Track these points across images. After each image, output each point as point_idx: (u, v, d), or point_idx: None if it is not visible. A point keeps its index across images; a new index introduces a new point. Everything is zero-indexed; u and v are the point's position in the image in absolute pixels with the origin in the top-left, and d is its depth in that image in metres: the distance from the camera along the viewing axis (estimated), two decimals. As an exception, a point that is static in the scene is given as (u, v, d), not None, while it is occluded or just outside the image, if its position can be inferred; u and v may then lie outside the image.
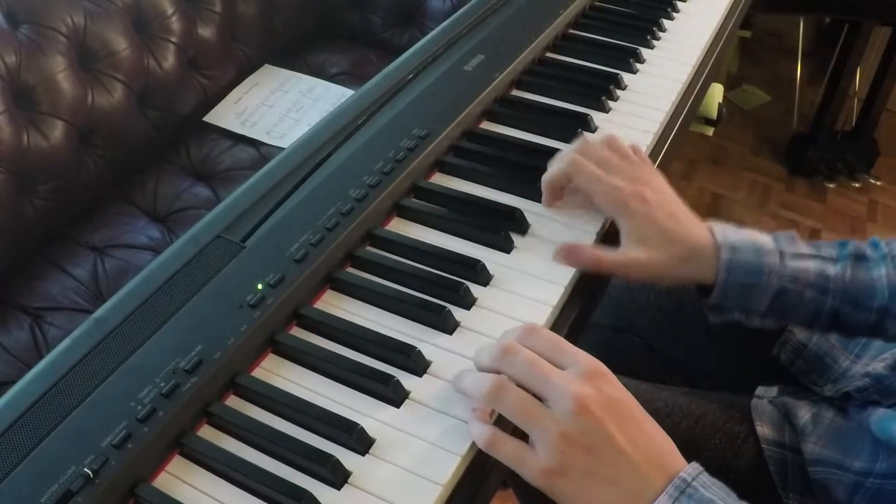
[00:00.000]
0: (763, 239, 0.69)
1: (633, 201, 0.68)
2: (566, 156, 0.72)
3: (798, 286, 0.68)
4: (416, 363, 0.60)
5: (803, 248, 0.70)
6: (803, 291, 0.68)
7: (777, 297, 0.68)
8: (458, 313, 0.64)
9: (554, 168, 0.73)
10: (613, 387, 0.54)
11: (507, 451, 0.53)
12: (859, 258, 0.70)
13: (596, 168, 0.70)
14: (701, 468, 0.53)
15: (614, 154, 0.72)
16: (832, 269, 0.69)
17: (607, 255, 0.69)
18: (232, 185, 1.31)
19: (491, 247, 0.71)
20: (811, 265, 0.69)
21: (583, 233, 0.73)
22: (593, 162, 0.71)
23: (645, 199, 0.69)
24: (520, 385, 0.54)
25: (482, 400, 0.54)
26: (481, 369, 0.57)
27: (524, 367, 0.54)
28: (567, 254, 0.69)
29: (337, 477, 0.53)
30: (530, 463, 0.52)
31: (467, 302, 0.65)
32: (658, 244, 0.68)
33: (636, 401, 0.55)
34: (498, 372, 0.55)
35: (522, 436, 0.54)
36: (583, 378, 0.53)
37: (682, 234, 0.68)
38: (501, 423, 0.55)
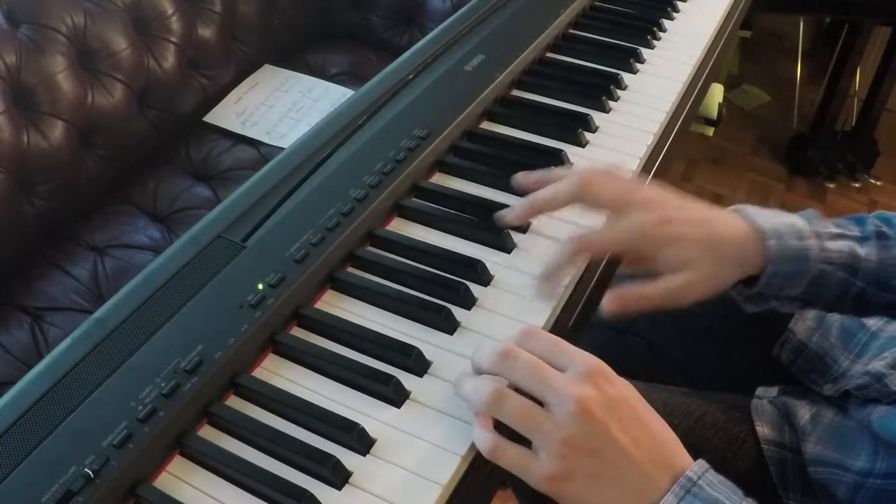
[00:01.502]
0: (796, 220, 0.67)
1: (654, 229, 0.64)
2: (573, 177, 0.66)
3: (833, 268, 0.66)
4: (417, 363, 0.60)
5: (832, 227, 0.68)
6: (836, 273, 0.66)
7: (813, 281, 0.66)
8: (458, 313, 0.64)
9: (557, 188, 0.67)
10: (615, 385, 0.54)
11: (510, 458, 0.53)
12: (882, 236, 0.68)
13: (609, 198, 0.66)
14: (707, 466, 0.53)
15: (609, 186, 0.67)
16: (861, 250, 0.67)
17: (655, 289, 0.65)
18: (232, 185, 1.31)
19: (491, 247, 0.71)
20: (844, 245, 0.66)
21: (587, 231, 0.71)
22: (607, 190, 0.66)
23: (666, 219, 0.65)
24: (519, 389, 0.54)
25: (482, 408, 0.54)
26: (480, 373, 0.57)
27: (523, 371, 0.53)
28: (617, 301, 0.65)
29: (337, 477, 0.53)
30: (534, 469, 0.52)
31: (468, 302, 0.65)
32: (701, 257, 0.64)
33: (639, 396, 0.54)
34: (497, 376, 0.55)
35: (524, 440, 0.53)
36: (583, 379, 0.53)
37: (720, 233, 0.65)
38: (501, 427, 0.55)
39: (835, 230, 0.68)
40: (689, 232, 0.64)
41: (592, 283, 0.72)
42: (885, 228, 0.69)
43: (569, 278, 0.68)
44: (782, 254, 0.64)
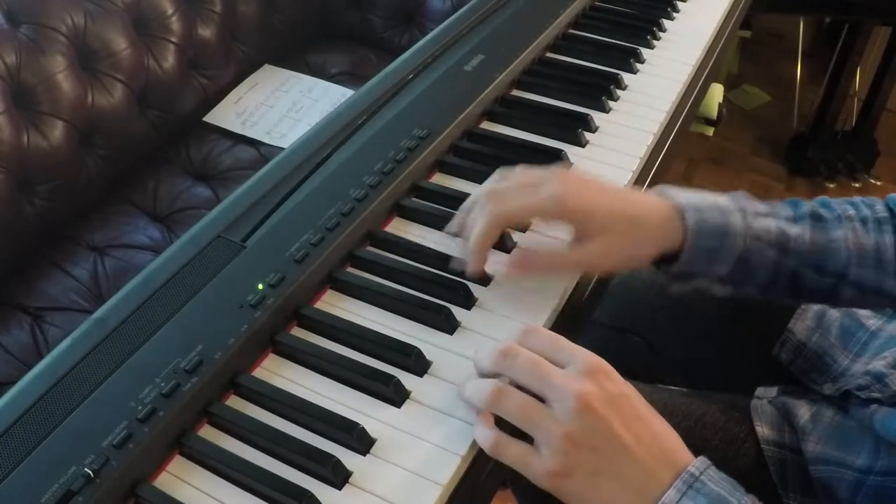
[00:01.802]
0: (720, 199, 0.67)
1: (572, 200, 0.64)
2: (480, 200, 0.65)
3: (761, 245, 0.65)
4: (417, 363, 0.60)
5: (760, 206, 0.67)
6: (765, 251, 0.65)
7: (741, 258, 0.65)
8: (458, 313, 0.64)
9: (478, 231, 0.65)
10: (615, 383, 0.54)
11: (512, 454, 0.53)
12: (817, 217, 0.67)
13: (516, 196, 0.65)
14: (709, 462, 0.53)
15: (515, 175, 0.67)
16: (792, 230, 0.66)
17: (565, 253, 0.66)
18: (232, 185, 1.31)
19: (491, 246, 0.71)
20: (772, 224, 0.66)
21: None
22: (508, 194, 0.65)
23: (581, 191, 0.65)
24: (521, 387, 0.54)
25: (483, 406, 0.54)
26: (482, 373, 0.57)
27: (524, 369, 0.54)
28: (518, 262, 0.66)
29: (338, 477, 0.53)
30: (535, 466, 0.52)
31: (468, 302, 0.65)
32: (615, 226, 0.64)
33: (639, 395, 0.55)
34: (499, 375, 0.55)
35: (526, 436, 0.53)
36: (584, 375, 0.53)
37: (638, 207, 0.65)
38: (503, 423, 0.55)
39: (763, 208, 0.67)
40: (606, 201, 0.65)
41: (592, 283, 0.72)
42: (822, 211, 0.68)
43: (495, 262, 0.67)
44: (701, 227, 0.64)
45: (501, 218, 0.65)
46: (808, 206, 0.68)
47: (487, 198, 0.65)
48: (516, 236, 0.72)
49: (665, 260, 0.67)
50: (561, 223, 0.67)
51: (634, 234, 0.64)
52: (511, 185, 0.66)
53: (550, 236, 0.72)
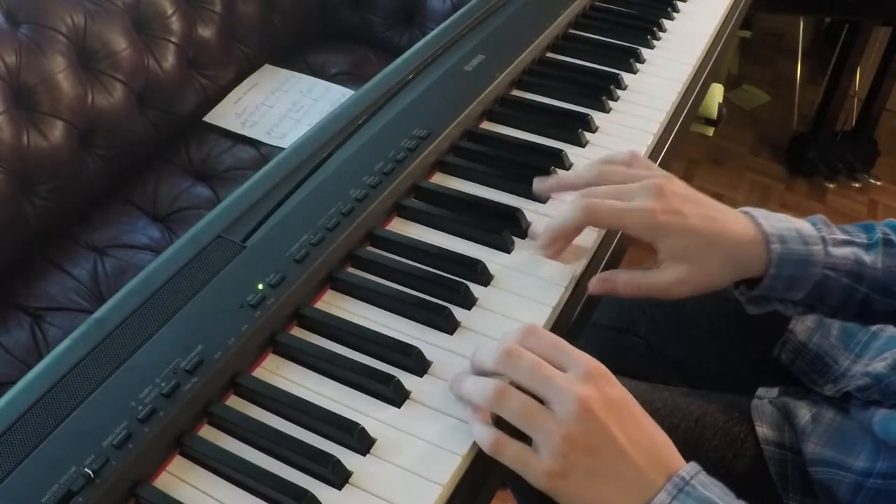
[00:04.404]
0: (803, 225, 0.67)
1: (665, 217, 0.64)
2: (576, 204, 0.66)
3: (837, 274, 0.66)
4: (417, 363, 0.60)
5: (839, 233, 0.68)
6: (840, 279, 0.66)
7: (817, 285, 0.66)
8: (458, 313, 0.64)
9: (563, 217, 0.67)
10: (614, 387, 0.54)
11: (511, 454, 0.53)
12: (888, 243, 0.68)
13: (615, 203, 0.65)
14: (699, 467, 0.53)
15: (618, 170, 0.69)
16: (867, 257, 0.67)
17: (646, 279, 0.65)
18: (232, 185, 1.31)
19: (491, 247, 0.71)
20: (849, 252, 0.67)
21: (588, 229, 0.71)
22: (609, 197, 0.66)
23: (676, 210, 0.64)
24: (521, 387, 0.54)
25: (485, 404, 0.54)
26: (482, 372, 0.57)
27: (526, 370, 0.54)
28: (600, 283, 0.66)
29: (338, 477, 0.53)
30: (534, 466, 0.52)
31: (468, 302, 0.65)
32: (702, 252, 0.64)
33: (636, 401, 0.55)
34: (498, 375, 0.55)
35: (522, 436, 0.54)
36: (584, 379, 0.53)
37: (724, 233, 0.65)
38: (500, 423, 0.55)
39: (841, 236, 0.68)
40: (697, 225, 0.64)
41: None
42: (893, 236, 0.69)
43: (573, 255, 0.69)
44: (785, 258, 0.65)
45: (590, 218, 0.66)
46: (880, 231, 0.69)
47: (583, 194, 0.67)
48: (517, 237, 0.72)
49: (744, 282, 0.68)
50: (645, 240, 0.66)
51: (720, 261, 0.65)
52: (611, 182, 0.67)
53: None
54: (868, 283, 0.67)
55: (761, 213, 0.67)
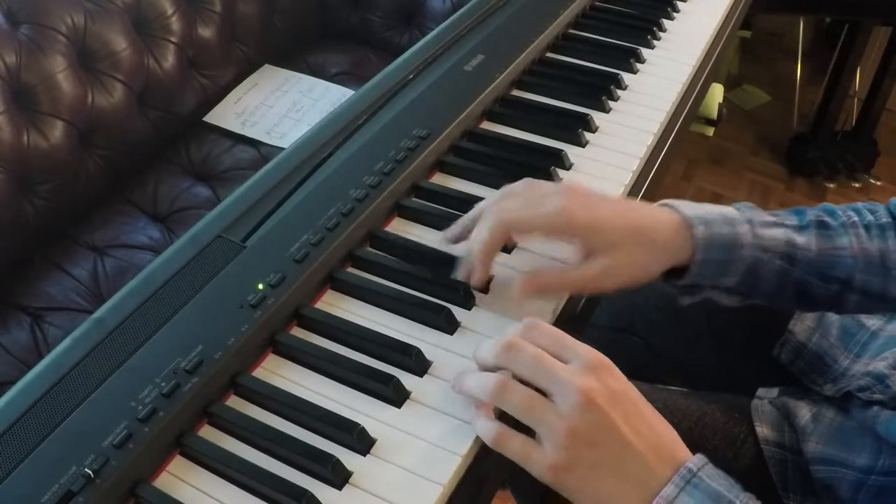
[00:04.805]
0: (727, 209, 0.66)
1: (578, 213, 0.63)
2: (485, 221, 0.65)
3: (769, 256, 0.65)
4: (417, 363, 0.60)
5: (767, 216, 0.67)
6: (772, 261, 0.65)
7: (749, 269, 0.65)
8: (458, 313, 0.64)
9: (478, 238, 0.64)
10: (617, 379, 0.54)
11: (514, 447, 0.53)
12: (822, 225, 0.67)
13: (522, 208, 0.65)
14: (706, 459, 0.53)
15: (520, 188, 0.67)
16: (799, 238, 0.66)
17: (574, 272, 0.65)
18: (232, 185, 1.31)
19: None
20: (779, 233, 0.66)
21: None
22: (514, 205, 0.65)
23: (587, 205, 0.64)
24: (523, 381, 0.54)
25: (487, 399, 0.54)
26: (484, 367, 0.57)
27: (528, 363, 0.54)
28: (528, 282, 0.65)
29: (338, 477, 0.53)
30: (537, 459, 0.52)
31: (468, 302, 0.65)
32: (623, 243, 0.63)
33: (639, 393, 0.55)
34: (500, 369, 0.55)
35: (525, 430, 0.54)
36: (587, 371, 0.53)
37: (643, 221, 0.64)
38: (503, 417, 0.55)
39: (770, 218, 0.67)
40: (613, 217, 0.63)
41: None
42: (826, 218, 0.68)
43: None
44: (711, 240, 0.64)
45: (506, 226, 0.64)
46: (812, 213, 0.68)
47: (493, 208, 0.65)
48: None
49: (674, 273, 0.66)
50: (564, 239, 0.67)
51: (643, 249, 0.63)
52: (516, 198, 0.66)
53: (540, 254, 0.71)
54: (802, 266, 0.66)
55: (682, 203, 0.66)
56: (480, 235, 0.64)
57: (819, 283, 0.66)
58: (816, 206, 0.69)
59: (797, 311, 0.86)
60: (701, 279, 0.66)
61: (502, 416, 0.55)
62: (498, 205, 0.65)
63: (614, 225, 0.63)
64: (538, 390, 0.53)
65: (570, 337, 0.56)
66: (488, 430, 0.54)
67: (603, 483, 0.51)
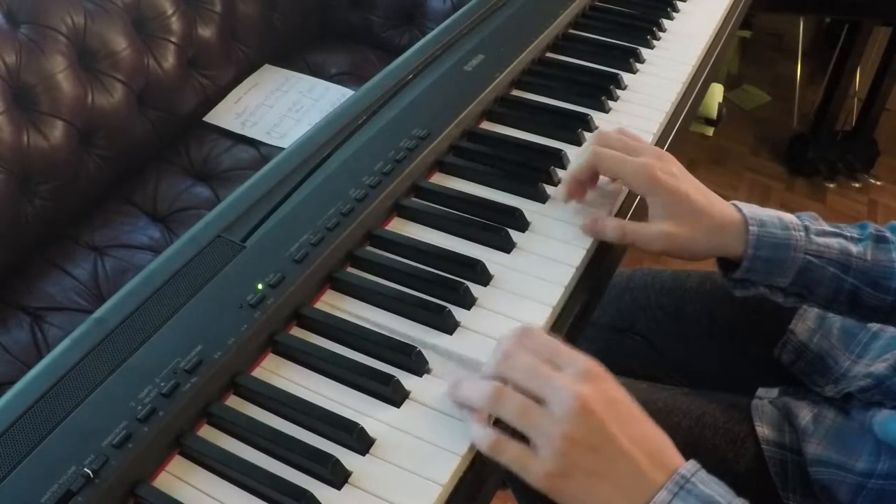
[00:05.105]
0: (788, 216, 0.70)
1: (662, 175, 0.68)
2: (585, 149, 0.72)
3: (822, 262, 0.68)
4: (417, 363, 0.60)
5: (826, 226, 0.71)
6: (826, 268, 0.69)
7: (801, 272, 0.68)
8: (458, 313, 0.64)
9: (576, 162, 0.73)
10: (612, 387, 0.54)
11: (510, 454, 0.53)
12: (880, 239, 0.70)
13: (619, 153, 0.71)
14: (699, 465, 0.53)
15: (631, 139, 0.73)
16: (854, 248, 0.69)
17: (633, 226, 0.70)
18: (232, 185, 1.31)
19: (491, 247, 0.71)
20: (834, 242, 0.69)
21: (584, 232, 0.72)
22: (617, 144, 0.72)
23: (673, 174, 0.69)
24: (519, 388, 0.54)
25: (483, 406, 0.54)
26: (482, 376, 0.57)
27: (523, 371, 0.54)
28: (591, 225, 0.71)
29: (337, 477, 0.53)
30: (533, 467, 0.52)
31: (467, 302, 0.65)
32: (688, 217, 0.68)
33: (634, 400, 0.55)
34: (498, 377, 0.55)
35: (521, 437, 0.54)
36: (582, 378, 0.53)
37: (710, 207, 0.69)
38: (498, 424, 0.55)
39: (829, 228, 0.70)
40: (687, 191, 0.69)
41: (591, 284, 0.72)
42: (887, 234, 0.71)
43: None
44: (763, 239, 0.68)
45: (598, 161, 0.71)
46: (874, 227, 0.71)
47: (596, 139, 0.73)
48: (517, 237, 0.72)
49: (730, 267, 0.70)
50: (640, 192, 0.72)
51: (704, 231, 0.68)
52: (618, 140, 0.72)
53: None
54: (855, 275, 0.69)
55: (746, 205, 0.71)
56: (577, 161, 0.73)
57: (871, 292, 0.69)
58: (885, 226, 0.73)
59: (798, 311, 0.86)
60: (751, 275, 0.69)
61: (498, 426, 0.55)
62: (600, 138, 0.73)
63: (690, 199, 0.68)
64: (534, 398, 0.53)
65: (564, 345, 0.56)
66: (483, 437, 0.54)
67: (597, 489, 0.52)
